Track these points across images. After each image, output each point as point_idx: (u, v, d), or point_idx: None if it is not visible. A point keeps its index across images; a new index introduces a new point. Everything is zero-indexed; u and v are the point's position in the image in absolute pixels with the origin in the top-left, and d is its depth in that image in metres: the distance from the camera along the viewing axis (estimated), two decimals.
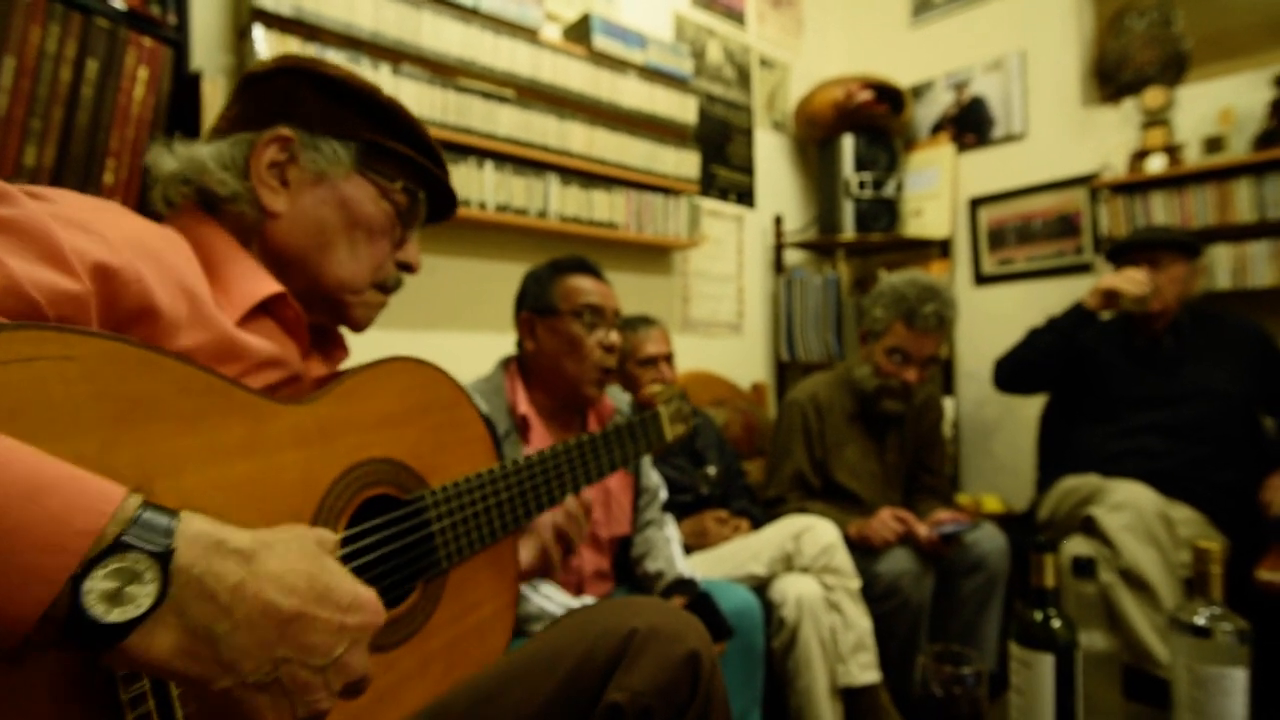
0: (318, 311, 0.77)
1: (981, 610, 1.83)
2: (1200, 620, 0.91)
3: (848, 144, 2.80)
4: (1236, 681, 0.90)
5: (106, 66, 1.28)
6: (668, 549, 1.50)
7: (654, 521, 1.55)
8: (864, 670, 1.55)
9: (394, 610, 0.66)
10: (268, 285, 0.68)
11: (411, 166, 0.79)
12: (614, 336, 1.39)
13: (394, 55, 1.79)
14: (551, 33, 2.18)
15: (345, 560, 0.61)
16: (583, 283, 1.41)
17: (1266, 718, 0.95)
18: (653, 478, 1.57)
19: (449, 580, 0.73)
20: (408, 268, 0.82)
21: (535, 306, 1.42)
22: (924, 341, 1.90)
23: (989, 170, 2.90)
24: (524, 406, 1.38)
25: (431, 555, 0.70)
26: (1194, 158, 2.35)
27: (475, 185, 1.90)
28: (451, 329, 2.02)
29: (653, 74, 2.32)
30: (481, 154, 1.92)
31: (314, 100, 0.75)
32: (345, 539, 0.62)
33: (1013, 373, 2.18)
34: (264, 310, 0.68)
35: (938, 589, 1.82)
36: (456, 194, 0.87)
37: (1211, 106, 2.35)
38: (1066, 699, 0.94)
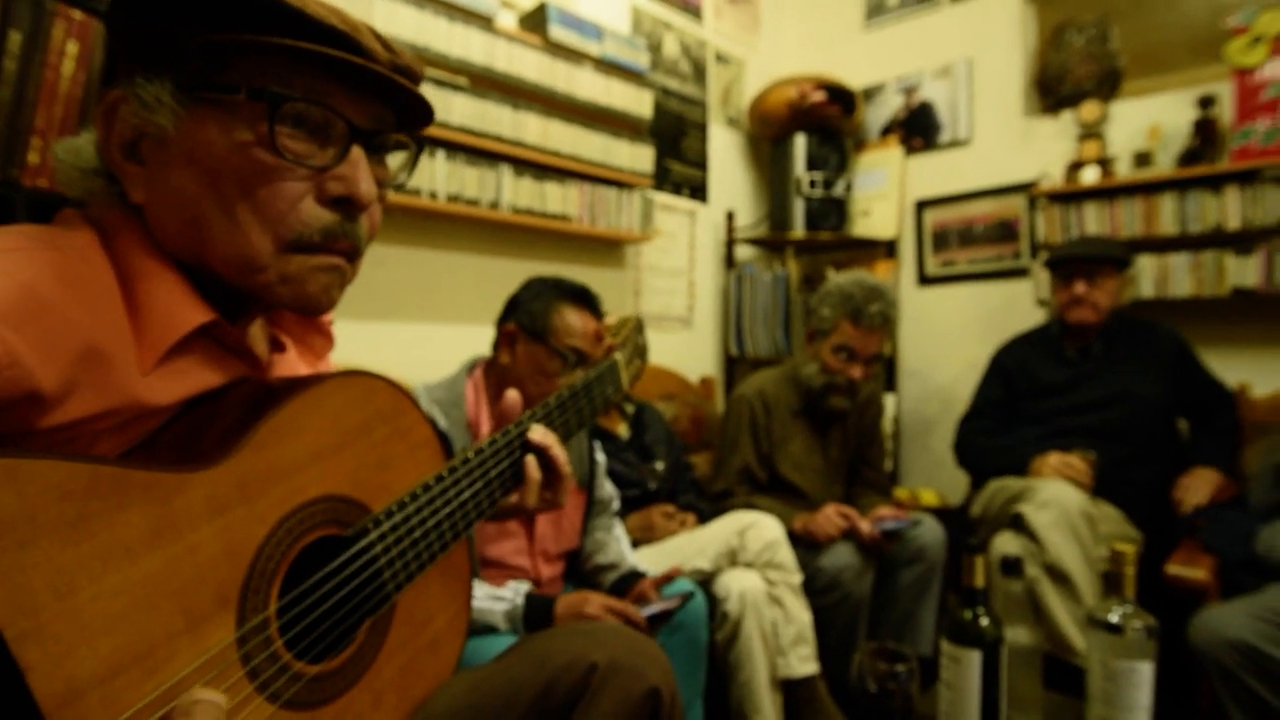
0: (252, 308, 0.64)
1: (920, 599, 1.91)
2: (1114, 618, 0.97)
3: (800, 143, 2.84)
4: (1144, 674, 0.96)
5: (32, 39, 1.21)
6: (618, 545, 1.52)
7: (602, 525, 1.56)
8: (803, 662, 1.60)
9: (341, 656, 0.61)
10: (191, 314, 0.56)
11: (279, 57, 0.56)
12: None
13: None
14: (507, 21, 2.15)
15: (283, 630, 0.55)
16: (578, 322, 1.38)
17: (1167, 701, 1.02)
18: (606, 489, 1.58)
19: (399, 602, 0.67)
20: (347, 203, 0.60)
21: (527, 326, 1.39)
22: (869, 339, 1.96)
23: (935, 174, 2.98)
24: (488, 425, 1.36)
25: (380, 590, 0.63)
26: (1124, 171, 2.46)
27: (426, 174, 1.86)
28: (401, 320, 1.99)
29: (609, 66, 2.31)
30: (433, 143, 1.88)
31: (123, 29, 0.57)
32: (281, 607, 0.55)
33: (966, 464, 2.27)
34: (201, 333, 0.58)
35: (879, 577, 1.89)
36: (412, 73, 0.64)
37: (1142, 122, 2.46)
38: (991, 692, 0.99)
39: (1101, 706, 0.98)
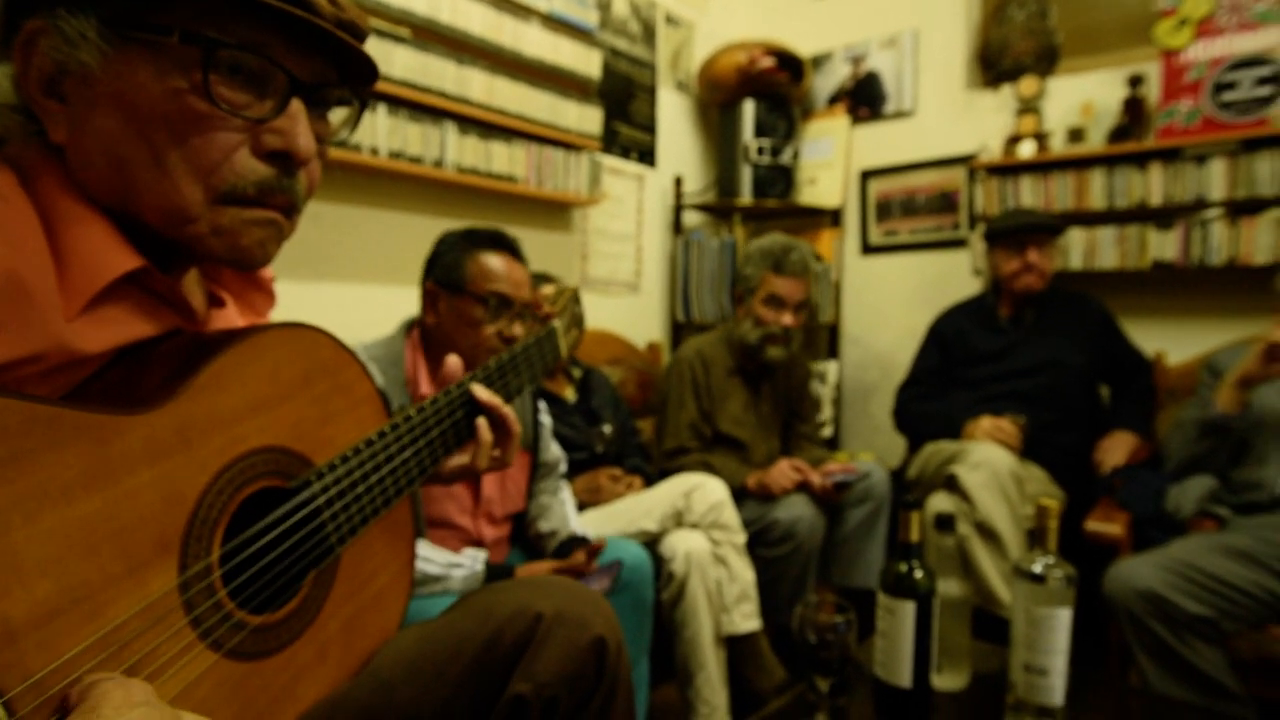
0: (181, 259, 0.61)
1: (868, 536, 2.02)
2: (1038, 569, 1.02)
3: (749, 109, 2.84)
4: (1062, 620, 1.02)
5: None
6: (562, 510, 1.52)
7: (548, 489, 1.56)
8: (746, 619, 1.65)
9: (286, 608, 0.61)
10: (118, 259, 0.54)
11: (217, 2, 0.53)
12: (516, 329, 1.35)
13: None
14: None
15: (226, 578, 0.54)
16: (496, 265, 1.34)
17: (1080, 644, 1.09)
18: (552, 451, 1.58)
19: (342, 557, 0.67)
20: (285, 157, 0.58)
21: (442, 279, 1.36)
22: (794, 286, 2.08)
23: (880, 144, 3.02)
24: (426, 386, 1.34)
25: (323, 543, 0.63)
26: (1059, 146, 2.54)
27: (368, 130, 1.80)
28: (340, 280, 1.93)
29: (557, 23, 2.26)
30: (374, 96, 1.81)
31: None
32: (223, 555, 0.54)
33: (904, 428, 2.37)
34: (129, 279, 0.55)
35: (830, 517, 2.00)
36: (357, 29, 0.62)
37: (1076, 99, 2.54)
38: (924, 640, 1.04)
39: (1024, 650, 1.04)
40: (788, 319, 2.07)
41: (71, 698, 0.41)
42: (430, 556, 1.24)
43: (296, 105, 0.58)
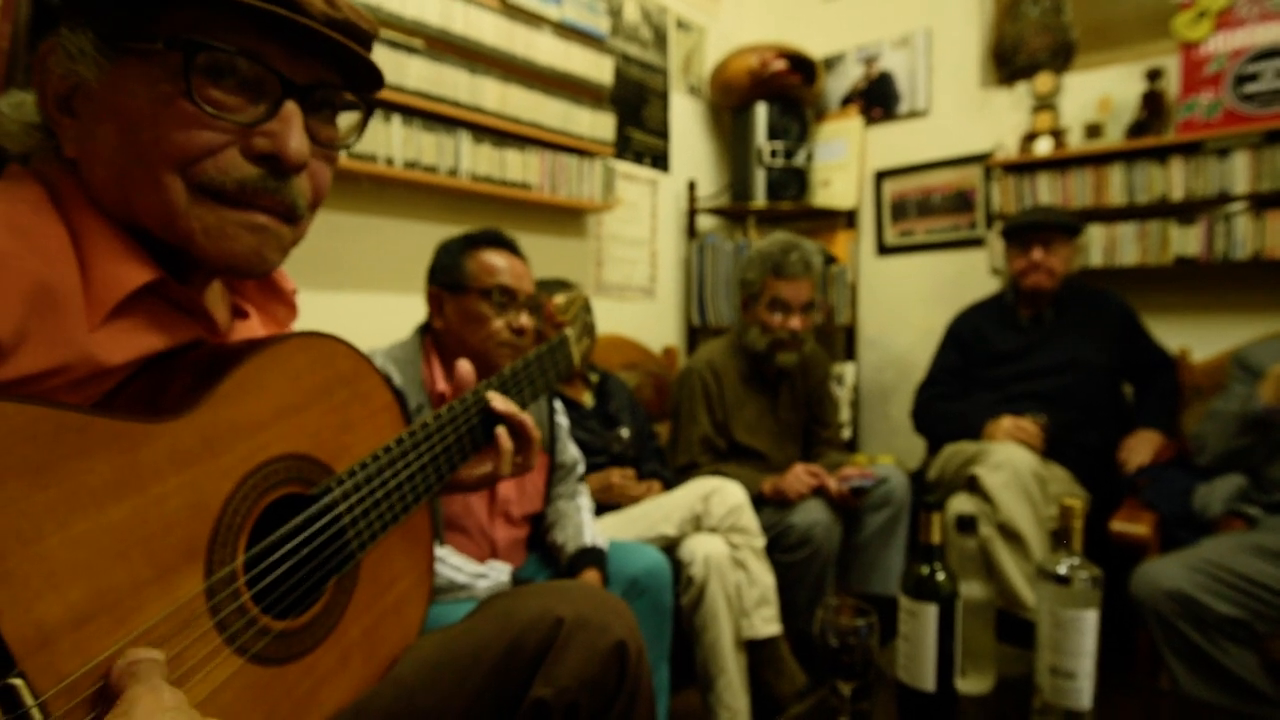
0: (200, 271, 0.62)
1: (887, 541, 1.99)
2: (1062, 570, 1.01)
3: (761, 112, 2.84)
4: (1089, 621, 1.00)
5: None
6: (577, 517, 1.51)
7: (565, 493, 1.56)
8: (766, 623, 1.64)
9: (308, 613, 0.61)
10: (136, 271, 0.55)
11: (206, 11, 0.54)
12: (524, 319, 1.36)
13: None
14: None
15: (251, 583, 0.56)
16: (496, 260, 1.36)
17: (1108, 648, 1.07)
18: (570, 452, 1.58)
19: (363, 564, 0.68)
20: (274, 160, 0.57)
21: (444, 281, 1.37)
22: (798, 287, 2.03)
23: (894, 144, 3.00)
24: (443, 384, 1.35)
25: (344, 549, 0.64)
26: (1076, 142, 2.51)
27: (383, 140, 1.81)
28: (356, 290, 1.94)
29: (568, 31, 2.27)
30: (388, 107, 1.83)
31: None
32: (248, 561, 0.55)
33: (923, 429, 2.34)
34: (149, 291, 0.56)
35: (848, 522, 1.97)
36: (355, 29, 0.61)
37: (1093, 94, 2.52)
38: (947, 643, 1.03)
39: (1050, 653, 1.02)
40: (795, 322, 2.03)
41: (113, 674, 0.43)
42: (460, 566, 1.25)
43: (290, 109, 0.58)
